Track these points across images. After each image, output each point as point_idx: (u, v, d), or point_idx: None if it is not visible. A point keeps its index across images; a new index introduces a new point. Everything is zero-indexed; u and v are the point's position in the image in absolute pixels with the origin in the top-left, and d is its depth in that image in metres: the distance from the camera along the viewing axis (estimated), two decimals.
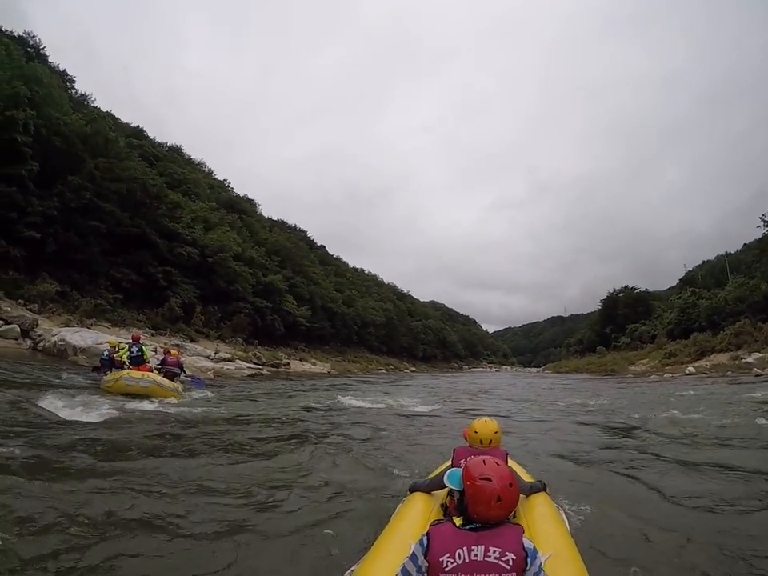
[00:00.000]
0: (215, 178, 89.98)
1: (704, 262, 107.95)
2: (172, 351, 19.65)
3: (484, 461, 2.64)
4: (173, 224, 52.17)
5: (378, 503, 6.13)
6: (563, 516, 4.35)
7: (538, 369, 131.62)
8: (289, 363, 49.61)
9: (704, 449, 10.49)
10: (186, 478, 6.83)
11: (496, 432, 4.50)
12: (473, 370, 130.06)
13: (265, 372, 39.06)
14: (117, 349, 17.96)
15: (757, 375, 34.00)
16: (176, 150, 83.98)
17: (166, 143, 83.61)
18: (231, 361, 37.45)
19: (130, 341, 18.04)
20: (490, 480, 2.49)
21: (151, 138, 77.46)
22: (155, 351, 23.00)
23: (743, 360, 46.03)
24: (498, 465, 2.63)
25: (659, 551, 4.95)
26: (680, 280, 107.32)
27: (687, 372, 46.68)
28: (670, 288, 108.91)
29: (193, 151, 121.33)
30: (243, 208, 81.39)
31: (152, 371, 16.79)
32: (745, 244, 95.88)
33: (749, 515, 6.10)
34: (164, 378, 16.52)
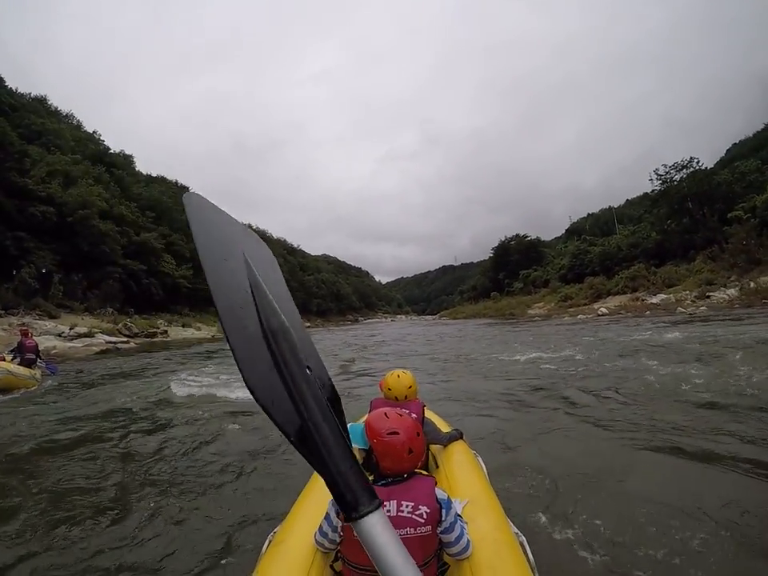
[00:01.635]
0: (84, 131, 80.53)
1: (589, 214, 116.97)
2: (29, 334, 16.77)
3: (386, 413, 2.46)
4: (22, 179, 45.14)
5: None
6: (481, 462, 4.12)
7: (433, 316, 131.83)
8: (167, 331, 44.28)
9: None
10: None
11: (410, 386, 4.14)
12: (368, 321, 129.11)
13: (132, 344, 34.34)
14: None
15: (690, 314, 32.20)
16: (39, 101, 75.11)
17: (29, 93, 74.79)
18: (89, 336, 32.30)
19: None
20: (397, 433, 2.34)
21: (11, 87, 68.49)
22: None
23: (647, 301, 46.99)
24: (401, 416, 2.46)
25: (569, 488, 4.94)
26: (566, 230, 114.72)
27: (600, 313, 45.90)
28: (556, 238, 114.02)
29: (63, 102, 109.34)
30: (113, 161, 73.53)
31: (3, 359, 14.34)
32: (628, 200, 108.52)
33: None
34: (18, 366, 14.41)
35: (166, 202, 73.06)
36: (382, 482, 2.39)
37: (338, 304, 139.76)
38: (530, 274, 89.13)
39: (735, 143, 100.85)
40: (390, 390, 4.16)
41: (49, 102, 78.34)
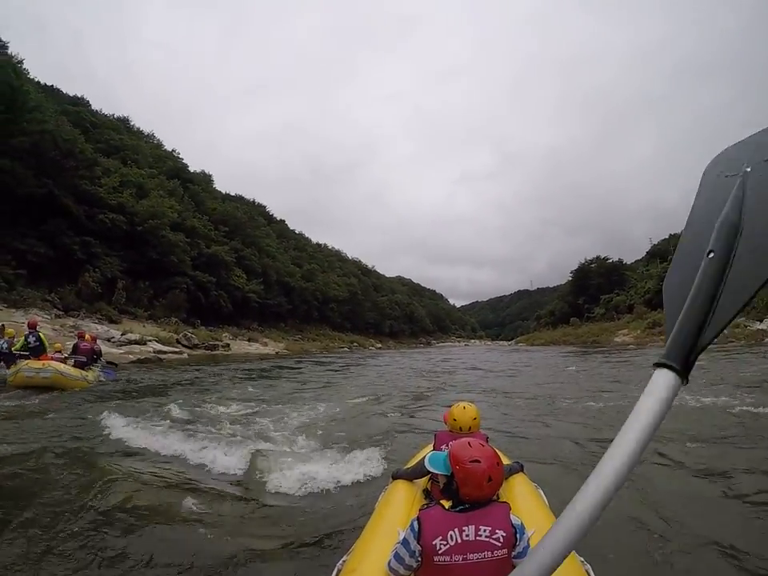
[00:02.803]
0: (164, 150, 79.96)
1: (671, 235, 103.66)
2: (87, 337, 17.39)
3: (469, 443, 2.58)
4: (93, 187, 44.46)
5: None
6: (541, 494, 4.16)
7: (509, 342, 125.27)
8: (229, 345, 42.49)
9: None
10: None
11: (475, 418, 4.20)
12: (441, 344, 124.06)
13: (184, 356, 32.58)
14: (15, 340, 15.91)
15: None
16: (122, 121, 75.83)
17: (113, 114, 75.55)
18: (139, 343, 30.62)
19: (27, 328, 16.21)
20: (479, 462, 2.44)
21: (95, 108, 69.63)
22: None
23: (753, 328, 41.01)
24: (482, 446, 2.58)
25: (635, 526, 4.80)
26: (647, 252, 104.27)
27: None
28: (636, 261, 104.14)
29: (146, 125, 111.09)
30: (191, 178, 73.14)
31: (59, 360, 15.14)
32: None
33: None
34: (69, 367, 15.15)
35: (240, 217, 72.05)
36: (460, 507, 2.46)
37: (411, 326, 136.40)
38: (611, 298, 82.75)
39: None
40: (455, 420, 4.18)
41: (131, 123, 79.10)
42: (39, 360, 14.45)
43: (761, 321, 42.09)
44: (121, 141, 62.65)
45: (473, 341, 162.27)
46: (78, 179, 42.78)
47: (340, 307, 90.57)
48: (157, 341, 33.07)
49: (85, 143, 45.55)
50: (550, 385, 17.11)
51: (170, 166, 69.29)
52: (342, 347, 71.36)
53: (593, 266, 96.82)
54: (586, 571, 2.81)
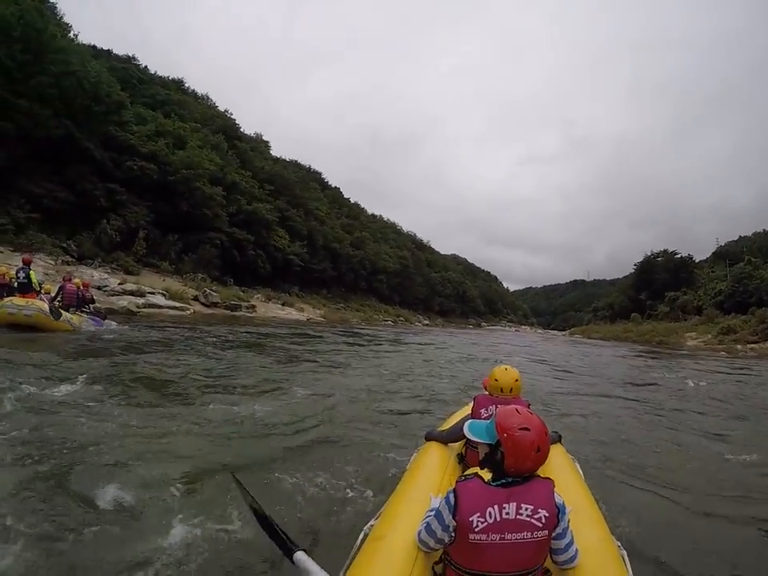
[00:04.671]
0: (216, 110, 74.57)
1: (741, 237, 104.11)
2: (75, 280, 17.02)
3: (517, 410, 2.36)
4: (123, 133, 40.92)
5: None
6: (578, 467, 4.07)
7: (561, 332, 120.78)
8: (254, 306, 38.43)
9: None
10: None
11: (516, 380, 4.00)
12: (492, 327, 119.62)
13: (190, 312, 28.96)
14: (6, 277, 15.38)
15: None
16: (176, 83, 71.41)
17: (168, 76, 71.07)
18: (137, 294, 27.10)
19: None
20: (528, 430, 2.23)
21: (143, 65, 65.25)
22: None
23: None
24: (531, 414, 2.35)
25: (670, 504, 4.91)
26: (713, 253, 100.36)
27: None
28: (701, 261, 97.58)
29: (203, 88, 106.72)
30: (240, 136, 68.91)
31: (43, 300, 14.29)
32: None
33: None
34: (53, 308, 14.30)
35: (288, 177, 67.61)
36: (501, 481, 2.26)
37: (462, 305, 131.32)
38: (678, 296, 76.49)
39: None
40: (496, 381, 4.00)
41: (186, 84, 74.68)
42: (24, 297, 13.87)
43: None
44: (167, 96, 59.26)
45: (524, 327, 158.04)
46: (105, 124, 39.36)
47: (389, 279, 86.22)
48: (163, 294, 29.51)
49: (115, 85, 41.82)
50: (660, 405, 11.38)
51: (219, 124, 64.88)
52: (387, 320, 66.71)
53: (659, 259, 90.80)
54: (622, 556, 2.61)
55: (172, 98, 59.48)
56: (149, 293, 27.96)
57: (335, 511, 4.14)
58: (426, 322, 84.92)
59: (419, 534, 2.38)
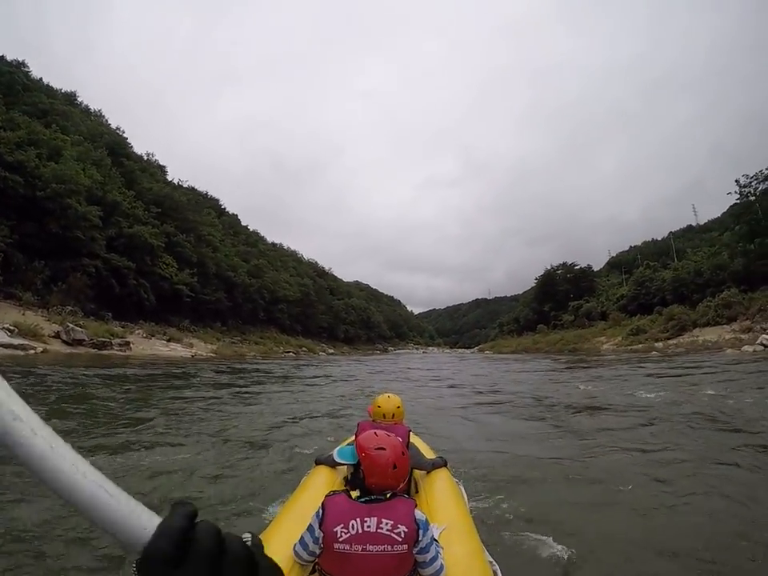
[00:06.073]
0: (107, 126, 69.26)
1: (631, 247, 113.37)
2: None
3: (375, 433, 2.59)
4: None
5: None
6: (462, 490, 4.27)
7: (469, 350, 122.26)
8: (129, 343, 33.01)
9: None
10: None
11: (398, 407, 4.34)
12: (399, 351, 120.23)
13: (31, 353, 23.26)
14: None
15: None
16: (68, 96, 66.56)
17: (61, 89, 66.30)
18: None
19: None
20: (384, 449, 2.44)
21: (40, 78, 61.03)
22: None
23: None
24: (388, 436, 2.57)
25: (553, 518, 4.86)
26: (607, 263, 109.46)
27: (742, 351, 32.30)
28: (596, 271, 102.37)
29: (99, 106, 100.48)
30: (128, 154, 63.24)
31: None
32: (671, 232, 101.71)
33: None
34: None
35: (178, 199, 62.28)
36: (365, 498, 2.42)
37: (368, 332, 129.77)
38: (581, 305, 78.85)
39: None
40: (379, 407, 4.27)
41: (79, 100, 69.70)
42: None
43: None
44: (51, 105, 53.86)
45: (431, 348, 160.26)
46: None
47: (290, 308, 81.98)
48: (9, 331, 24.27)
49: None
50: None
51: (107, 140, 59.16)
52: (288, 352, 62.24)
53: (559, 271, 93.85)
54: (494, 573, 2.78)
55: (56, 108, 54.32)
56: None
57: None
58: (331, 350, 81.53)
59: (294, 547, 2.47)
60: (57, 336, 28.21)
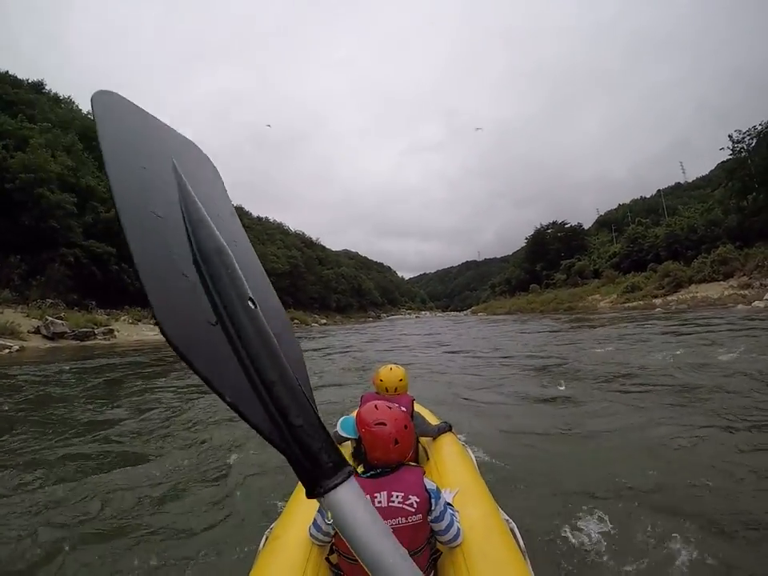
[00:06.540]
0: (78, 111, 66.68)
1: (620, 205, 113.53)
2: None
3: (376, 405, 2.46)
4: None
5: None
6: (470, 453, 4.21)
7: (463, 312, 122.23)
8: (113, 331, 32.00)
9: None
10: None
11: (401, 379, 4.11)
12: (392, 317, 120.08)
13: (5, 353, 21.99)
14: None
15: None
16: (35, 85, 64.07)
17: (27, 79, 63.83)
18: None
19: None
20: (384, 424, 2.34)
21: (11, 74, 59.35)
22: None
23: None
24: (390, 408, 2.45)
25: (553, 476, 4.92)
26: (596, 221, 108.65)
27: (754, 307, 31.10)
28: (586, 230, 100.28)
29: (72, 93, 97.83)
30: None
31: None
32: (659, 190, 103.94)
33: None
34: None
35: None
36: (371, 472, 2.36)
37: (360, 300, 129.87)
38: (573, 263, 77.91)
39: None
40: (381, 381, 4.09)
41: (47, 88, 67.13)
42: None
43: None
44: (16, 95, 52.79)
45: (423, 312, 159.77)
46: None
47: (279, 281, 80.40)
48: None
49: None
50: None
51: (78, 126, 56.79)
52: None
53: (549, 231, 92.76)
54: (511, 529, 2.72)
55: (22, 98, 53.07)
56: None
57: (241, 522, 4.18)
58: (324, 321, 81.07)
59: (310, 530, 2.45)
60: (37, 331, 27.14)
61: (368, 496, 2.10)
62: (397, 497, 2.23)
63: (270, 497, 4.61)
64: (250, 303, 0.79)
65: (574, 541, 3.64)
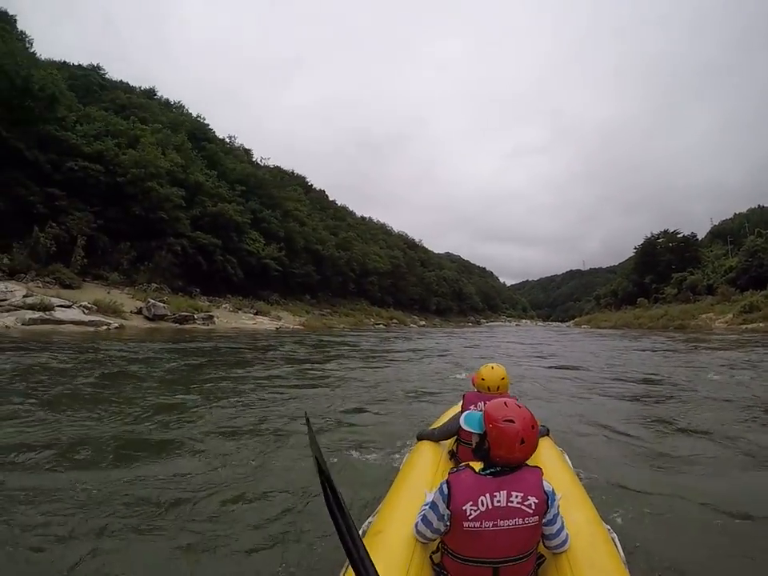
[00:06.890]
0: (188, 115, 69.96)
1: (736, 214, 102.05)
2: None
3: (506, 403, 2.40)
4: (63, 132, 36.52)
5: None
6: (566, 458, 4.20)
7: (565, 323, 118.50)
8: (213, 317, 33.23)
9: None
10: None
11: (503, 378, 4.03)
12: (491, 323, 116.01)
13: (103, 329, 23.10)
14: None
15: None
16: (147, 92, 68.04)
17: (140, 87, 68.18)
18: (34, 308, 22.07)
19: None
20: (513, 422, 2.27)
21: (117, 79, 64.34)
22: None
23: None
24: (519, 407, 2.39)
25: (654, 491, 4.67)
26: (709, 232, 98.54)
27: None
28: (699, 241, 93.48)
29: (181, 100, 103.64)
30: (210, 138, 64.58)
31: None
32: None
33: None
34: None
35: (261, 176, 63.17)
36: (491, 470, 2.30)
37: (460, 303, 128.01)
38: (685, 277, 72.22)
39: None
40: (483, 379, 4.04)
41: (159, 94, 70.93)
42: None
43: None
44: (128, 99, 55.96)
45: (524, 320, 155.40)
46: (41, 122, 35.08)
47: (381, 280, 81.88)
48: (87, 308, 24.90)
49: (53, 79, 37.57)
50: None
51: (188, 127, 60.32)
52: (379, 324, 62.13)
53: (660, 240, 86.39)
54: (612, 539, 2.65)
55: (134, 102, 55.97)
56: (59, 306, 23.08)
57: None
58: (423, 322, 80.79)
59: (416, 525, 2.41)
60: (139, 312, 28.79)
61: (487, 494, 2.14)
62: (516, 497, 2.19)
63: (366, 492, 4.34)
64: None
65: (670, 555, 3.45)
